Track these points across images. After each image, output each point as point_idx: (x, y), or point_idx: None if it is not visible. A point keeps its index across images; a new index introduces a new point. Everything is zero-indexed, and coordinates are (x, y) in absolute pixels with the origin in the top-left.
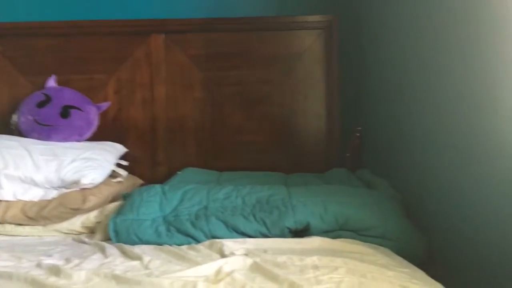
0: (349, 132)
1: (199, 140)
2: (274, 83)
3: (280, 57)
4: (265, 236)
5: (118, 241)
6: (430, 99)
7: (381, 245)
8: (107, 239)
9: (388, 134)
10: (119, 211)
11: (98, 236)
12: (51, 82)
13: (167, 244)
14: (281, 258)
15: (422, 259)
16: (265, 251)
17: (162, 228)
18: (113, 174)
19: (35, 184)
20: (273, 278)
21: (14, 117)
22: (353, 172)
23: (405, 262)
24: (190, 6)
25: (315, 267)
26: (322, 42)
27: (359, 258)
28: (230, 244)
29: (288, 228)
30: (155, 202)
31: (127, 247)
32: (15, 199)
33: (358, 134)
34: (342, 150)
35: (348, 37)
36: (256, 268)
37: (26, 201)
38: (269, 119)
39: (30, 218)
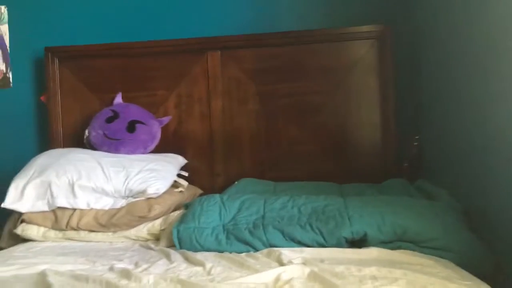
0: (406, 142)
1: (254, 151)
2: (327, 94)
3: (333, 68)
4: (321, 245)
5: (182, 247)
6: (490, 106)
7: (442, 257)
8: (171, 245)
9: (447, 143)
10: (181, 220)
11: (163, 242)
12: (118, 99)
13: (227, 251)
14: (339, 268)
15: (486, 272)
16: (322, 260)
17: (222, 236)
18: (175, 184)
19: (106, 193)
20: (331, 287)
21: (86, 132)
22: (412, 182)
23: (468, 274)
24: (243, 22)
25: (374, 278)
26: (375, 52)
27: (419, 270)
28: (287, 252)
29: (345, 238)
30: (215, 211)
31: (190, 253)
32: (88, 208)
33: (416, 143)
34: (399, 160)
35: (402, 46)
36: (314, 277)
37: (97, 210)
38: (323, 130)
39: (102, 225)
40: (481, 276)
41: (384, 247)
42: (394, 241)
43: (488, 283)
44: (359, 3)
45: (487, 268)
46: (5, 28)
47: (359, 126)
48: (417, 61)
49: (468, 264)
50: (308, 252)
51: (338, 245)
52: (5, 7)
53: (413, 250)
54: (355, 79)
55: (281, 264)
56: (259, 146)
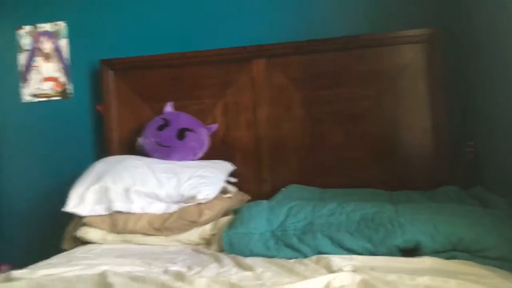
0: (459, 148)
1: (300, 158)
2: (374, 99)
3: (381, 73)
4: (371, 253)
5: (232, 252)
6: None
7: (499, 267)
8: (222, 250)
9: (503, 148)
10: (231, 225)
11: (213, 247)
12: (169, 108)
13: (275, 257)
14: (390, 277)
15: None
16: (373, 268)
17: (271, 242)
18: (224, 190)
19: (159, 199)
20: None
21: (139, 140)
22: (466, 190)
23: None
24: (288, 29)
25: (428, 287)
26: (424, 56)
27: (476, 281)
28: (337, 260)
29: (397, 246)
30: (262, 217)
31: (240, 258)
32: (143, 212)
33: (470, 149)
34: (452, 167)
35: (452, 49)
36: (365, 285)
37: (151, 214)
38: (370, 135)
39: (155, 229)
40: None
41: (438, 257)
42: (449, 250)
43: None
44: (407, 6)
45: None
46: (63, 42)
47: (409, 131)
48: (470, 64)
49: None
50: (359, 259)
51: (389, 253)
52: (64, 23)
53: (469, 260)
54: (404, 83)
55: (331, 271)
56: (305, 152)
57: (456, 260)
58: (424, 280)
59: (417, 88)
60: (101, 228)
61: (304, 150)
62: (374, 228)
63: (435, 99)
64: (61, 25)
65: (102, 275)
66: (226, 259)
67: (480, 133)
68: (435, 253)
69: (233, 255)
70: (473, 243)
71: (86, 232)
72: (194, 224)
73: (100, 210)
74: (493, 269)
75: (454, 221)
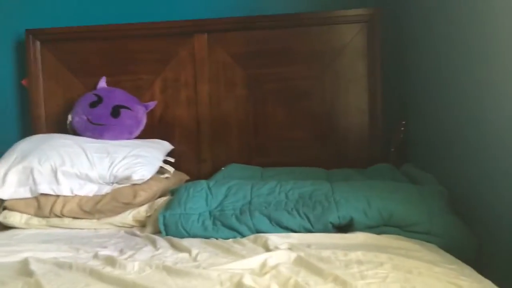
0: (393, 127)
1: (242, 137)
2: (315, 79)
3: (321, 53)
4: (308, 231)
5: (167, 234)
6: (476, 92)
7: (427, 241)
8: (157, 232)
9: (433, 128)
10: (167, 206)
11: (148, 229)
12: (102, 83)
13: (213, 237)
14: (325, 253)
15: (470, 256)
16: (308, 245)
17: (209, 222)
18: (161, 170)
19: (90, 180)
20: (317, 272)
21: (69, 117)
22: (398, 167)
23: (452, 258)
24: (230, 5)
25: (360, 262)
26: (364, 36)
27: (405, 254)
28: (274, 238)
29: (332, 223)
30: (201, 197)
31: (176, 240)
32: (72, 194)
33: (402, 128)
34: (385, 146)
35: (389, 30)
36: (300, 262)
37: (82, 196)
38: (311, 115)
39: (86, 212)
40: (465, 259)
41: (370, 232)
42: (380, 225)
43: (471, 266)
44: None
45: (470, 252)
46: None
47: (347, 111)
48: (405, 45)
49: (453, 248)
50: (295, 237)
51: (325, 230)
52: None
53: (399, 234)
54: (344, 63)
55: (268, 250)
56: (246, 131)
57: (387, 235)
58: (357, 255)
59: (356, 69)
60: (24, 212)
61: (245, 129)
62: (312, 206)
63: (373, 80)
64: None
65: (24, 263)
66: (162, 241)
67: (413, 114)
68: (368, 228)
69: (169, 237)
70: (403, 218)
71: (7, 217)
72: (128, 206)
73: (24, 192)
74: (421, 242)
75: (386, 197)
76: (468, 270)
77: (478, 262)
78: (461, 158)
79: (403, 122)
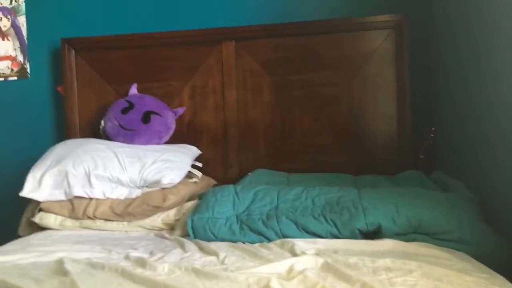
0: (422, 134)
1: (268, 143)
2: (342, 85)
3: (349, 59)
4: (335, 236)
5: (196, 237)
6: (505, 97)
7: (457, 249)
8: (186, 235)
9: (463, 134)
10: (195, 210)
11: (177, 232)
12: (133, 90)
13: (240, 241)
14: (352, 259)
15: (501, 265)
16: (335, 251)
17: (236, 227)
18: (189, 175)
19: (121, 183)
20: (345, 278)
21: (102, 123)
22: (427, 174)
23: (483, 267)
24: (258, 12)
25: (388, 269)
26: (392, 42)
27: (434, 262)
28: (301, 243)
29: (359, 229)
30: (228, 202)
31: (204, 243)
32: (104, 197)
33: (432, 135)
34: (415, 152)
35: (418, 37)
36: (327, 268)
37: (113, 199)
38: (338, 121)
39: (117, 215)
40: (496, 268)
41: (398, 239)
42: (409, 233)
43: (503, 276)
44: None
45: (502, 261)
46: (22, 20)
47: (375, 117)
48: (434, 52)
49: (484, 256)
50: (322, 243)
51: (352, 236)
52: None
53: (428, 242)
54: (372, 70)
55: (294, 254)
56: (273, 137)
57: (416, 242)
58: (385, 262)
59: (384, 75)
60: (59, 214)
61: (272, 134)
62: (339, 212)
63: (401, 86)
64: (19, 1)
65: (59, 262)
66: (190, 244)
67: (442, 120)
68: (396, 235)
69: (197, 240)
70: (433, 226)
71: (43, 218)
72: (157, 209)
73: (59, 195)
74: (450, 250)
75: (415, 204)
76: (500, 279)
77: (511, 271)
78: (491, 165)
79: (433, 129)
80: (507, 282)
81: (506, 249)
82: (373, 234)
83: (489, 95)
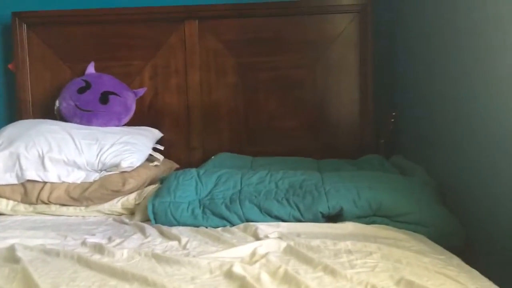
0: (383, 118)
1: (232, 126)
2: (307, 68)
3: (314, 42)
4: (298, 220)
5: (157, 222)
6: (465, 83)
7: (415, 231)
8: (146, 220)
9: (423, 119)
10: (157, 194)
11: (137, 217)
12: (91, 69)
13: (203, 226)
14: (314, 242)
15: (458, 246)
16: (298, 235)
17: (198, 211)
18: (150, 158)
19: (78, 167)
20: (307, 261)
21: (57, 103)
22: (387, 158)
23: (440, 248)
24: None
25: (349, 252)
26: (356, 26)
27: (393, 244)
28: (264, 227)
29: (321, 212)
30: (191, 186)
31: (165, 228)
32: (59, 181)
33: (392, 120)
34: (376, 136)
35: (382, 20)
36: (290, 251)
37: (69, 183)
38: (303, 105)
39: (74, 199)
40: (453, 250)
41: (359, 222)
42: (370, 215)
43: (459, 257)
44: None
45: (458, 242)
46: None
47: (338, 101)
48: (396, 36)
49: (441, 238)
50: (285, 226)
51: (315, 220)
52: None
53: (388, 224)
54: (336, 53)
55: (257, 238)
56: (237, 120)
57: (376, 225)
58: (346, 244)
59: (347, 59)
60: (11, 199)
61: (236, 117)
62: (302, 195)
63: (364, 70)
64: None
65: (10, 249)
66: (151, 229)
67: (403, 105)
68: (357, 218)
69: (158, 225)
70: (392, 208)
71: None
72: (117, 193)
73: (10, 178)
74: (409, 232)
75: (375, 187)
76: (456, 260)
77: (466, 253)
78: (450, 150)
79: (394, 114)
80: (462, 263)
81: (462, 231)
82: (335, 217)
83: (450, 81)
